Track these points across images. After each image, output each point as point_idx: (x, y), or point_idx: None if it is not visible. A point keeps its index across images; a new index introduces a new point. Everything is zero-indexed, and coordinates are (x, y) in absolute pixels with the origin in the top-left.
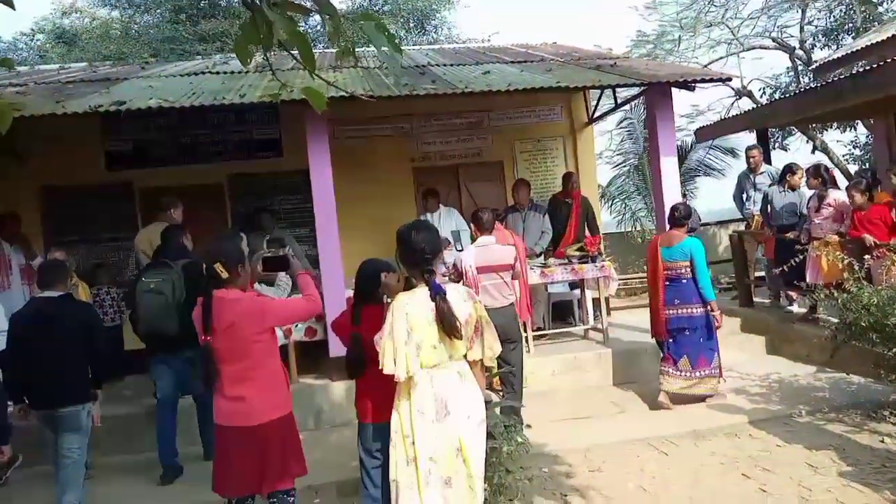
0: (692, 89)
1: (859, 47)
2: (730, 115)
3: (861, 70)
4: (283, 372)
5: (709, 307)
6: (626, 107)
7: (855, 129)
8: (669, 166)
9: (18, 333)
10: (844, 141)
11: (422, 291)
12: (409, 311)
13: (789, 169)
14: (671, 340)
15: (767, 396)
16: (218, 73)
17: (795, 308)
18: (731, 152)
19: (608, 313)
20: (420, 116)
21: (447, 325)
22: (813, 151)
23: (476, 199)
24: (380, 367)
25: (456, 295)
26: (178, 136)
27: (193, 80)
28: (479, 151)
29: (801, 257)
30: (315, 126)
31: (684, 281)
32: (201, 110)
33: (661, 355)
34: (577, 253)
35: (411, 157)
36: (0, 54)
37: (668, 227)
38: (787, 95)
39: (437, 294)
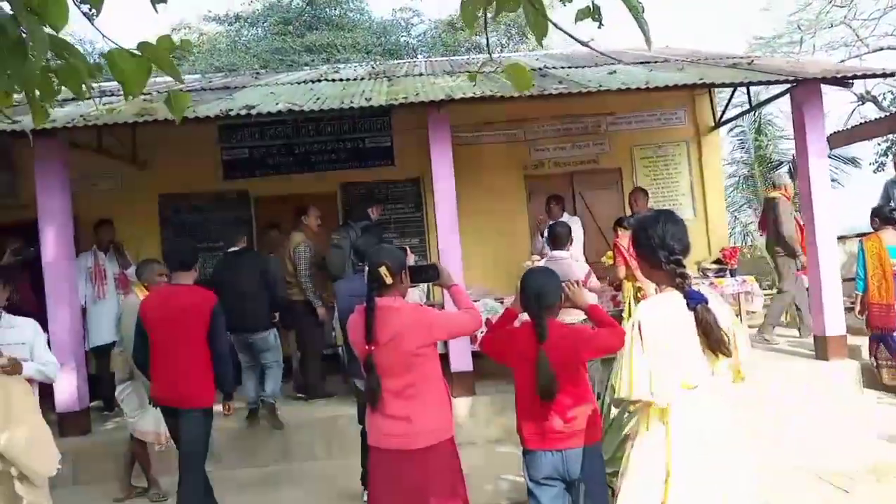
0: (849, 86)
1: None
2: (849, 121)
3: None
4: (447, 390)
5: None
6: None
7: None
8: (820, 169)
9: None
10: None
11: (671, 298)
12: (665, 319)
13: None
14: (890, 332)
15: None
16: (334, 80)
17: None
18: (853, 162)
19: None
20: (533, 122)
21: (713, 339)
22: None
23: (591, 208)
24: (622, 394)
25: (715, 301)
26: (292, 145)
27: (313, 87)
28: (595, 158)
29: None
30: (438, 129)
31: None
32: (316, 119)
33: (879, 348)
34: (714, 266)
35: (524, 164)
36: None
37: (878, 227)
38: None
39: (698, 303)
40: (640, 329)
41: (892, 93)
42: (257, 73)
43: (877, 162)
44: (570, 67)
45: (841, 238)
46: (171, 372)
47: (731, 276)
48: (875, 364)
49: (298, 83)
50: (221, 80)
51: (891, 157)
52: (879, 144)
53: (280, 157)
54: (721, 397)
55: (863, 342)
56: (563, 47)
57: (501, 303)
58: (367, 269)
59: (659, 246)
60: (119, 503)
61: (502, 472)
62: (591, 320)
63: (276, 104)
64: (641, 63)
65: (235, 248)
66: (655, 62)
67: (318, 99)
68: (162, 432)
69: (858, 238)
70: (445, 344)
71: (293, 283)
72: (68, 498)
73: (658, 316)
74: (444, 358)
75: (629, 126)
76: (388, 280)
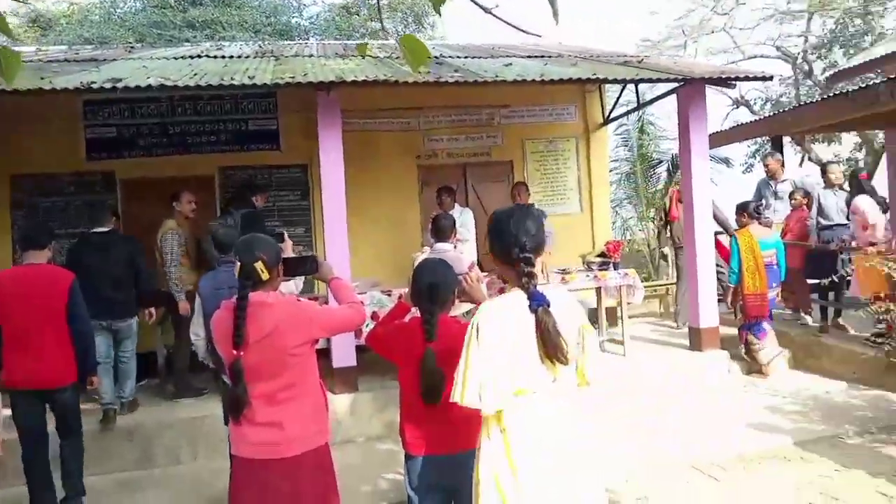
0: (732, 86)
1: (877, 56)
2: (724, 124)
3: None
4: (323, 392)
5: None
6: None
7: (840, 143)
8: (701, 167)
9: None
10: (828, 154)
11: (517, 298)
12: (500, 322)
13: (825, 167)
14: (764, 319)
15: (806, 415)
16: (215, 57)
17: (810, 321)
18: (726, 161)
19: (618, 324)
20: (428, 111)
21: (550, 345)
22: (801, 164)
23: (483, 199)
24: (454, 399)
25: (562, 303)
26: (167, 125)
27: (192, 62)
28: (488, 150)
29: (850, 269)
30: (327, 113)
31: (774, 267)
32: (194, 98)
33: (753, 333)
34: (598, 259)
35: (416, 153)
36: None
37: (744, 220)
38: (794, 106)
39: (539, 305)
40: (477, 330)
41: (762, 98)
42: (132, 46)
43: (746, 163)
44: (466, 57)
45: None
46: (36, 353)
47: (615, 269)
48: (745, 351)
49: (176, 58)
50: (89, 53)
51: (758, 159)
52: (749, 147)
53: (152, 138)
54: (564, 404)
55: (730, 331)
56: (459, 38)
57: (389, 295)
58: (237, 262)
59: (512, 242)
60: None
61: (382, 472)
62: None
63: (148, 78)
64: (536, 57)
65: (103, 230)
66: (550, 57)
67: (195, 75)
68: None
69: (730, 234)
70: (328, 339)
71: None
72: None
73: (498, 317)
74: (326, 353)
75: (522, 120)
76: (265, 276)
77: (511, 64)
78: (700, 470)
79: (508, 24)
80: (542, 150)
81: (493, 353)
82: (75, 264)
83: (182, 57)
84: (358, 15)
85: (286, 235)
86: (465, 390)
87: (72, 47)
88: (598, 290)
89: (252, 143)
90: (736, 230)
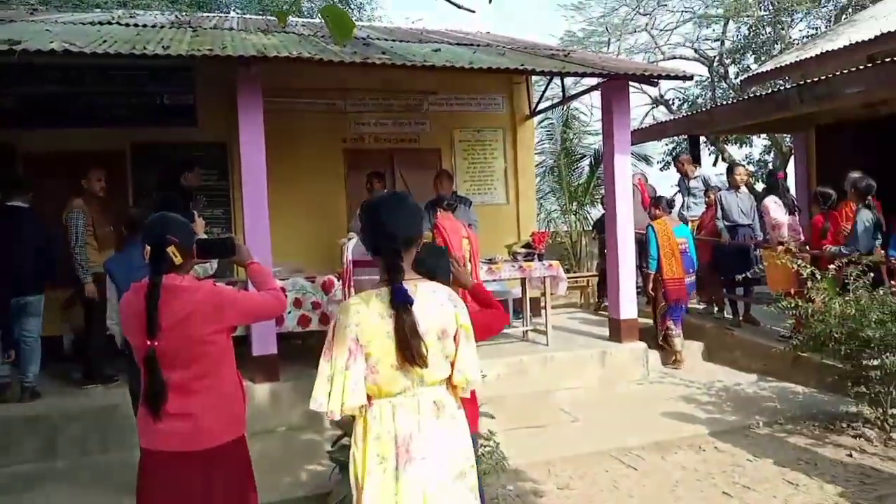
0: (655, 84)
1: (786, 63)
2: (643, 122)
3: (808, 81)
4: (239, 382)
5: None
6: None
7: (750, 146)
8: (623, 164)
9: None
10: (740, 156)
11: (384, 292)
12: (362, 319)
13: (730, 168)
14: (683, 304)
15: (719, 406)
16: (127, 25)
17: (724, 314)
18: (645, 159)
19: (541, 314)
20: (355, 93)
21: (404, 346)
22: (714, 164)
23: (411, 186)
24: (311, 406)
25: (429, 299)
26: (73, 95)
27: (101, 28)
28: (416, 137)
29: (763, 265)
30: (248, 91)
31: (688, 254)
32: (103, 67)
33: (673, 319)
34: (523, 250)
35: (343, 136)
36: None
37: (658, 212)
38: (711, 106)
39: (400, 303)
40: (334, 327)
41: (680, 99)
42: (34, 8)
43: (664, 161)
44: (394, 41)
45: None
46: None
47: (539, 259)
48: (662, 337)
49: (83, 24)
50: None
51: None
52: (667, 145)
53: (58, 108)
54: (432, 406)
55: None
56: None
57: (313, 282)
58: (145, 244)
59: (381, 233)
60: None
61: (303, 462)
62: (474, 300)
63: (51, 43)
64: (465, 45)
65: (9, 204)
66: (479, 45)
67: (104, 42)
68: None
69: (647, 224)
70: (247, 326)
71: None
72: None
73: (358, 314)
74: (244, 340)
75: (450, 108)
76: (178, 260)
77: (440, 50)
78: (619, 459)
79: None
80: (470, 139)
81: (344, 356)
82: None
83: (91, 23)
84: None
85: (196, 215)
86: (314, 394)
87: None
88: (523, 280)
89: (167, 118)
90: (651, 221)
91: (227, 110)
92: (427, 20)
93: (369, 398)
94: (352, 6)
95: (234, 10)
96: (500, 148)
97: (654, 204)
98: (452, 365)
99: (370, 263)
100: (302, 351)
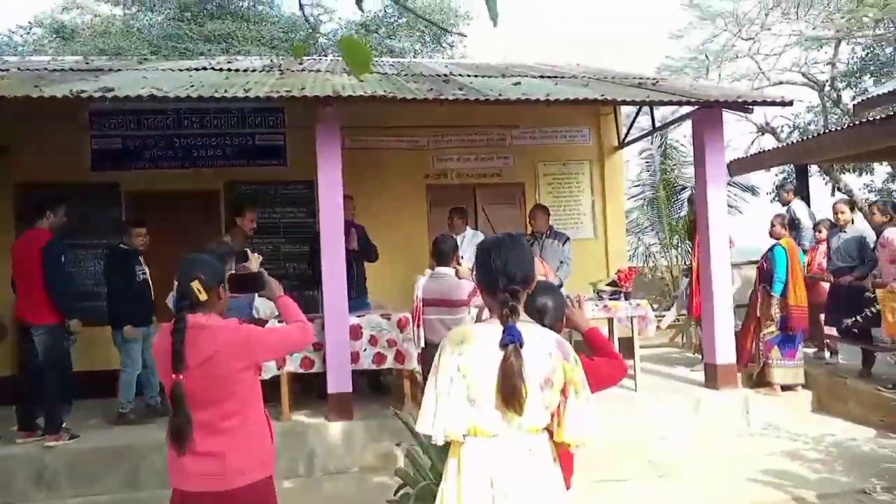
0: (750, 111)
1: None
2: (749, 151)
3: None
4: (266, 420)
5: None
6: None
7: (871, 173)
8: (717, 197)
9: None
10: (858, 185)
11: (493, 328)
12: (465, 350)
13: (834, 206)
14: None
15: (829, 464)
16: (220, 69)
17: (828, 357)
18: (752, 190)
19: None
20: (437, 129)
21: (507, 387)
22: (833, 193)
23: (493, 222)
24: (416, 426)
25: (537, 345)
26: (172, 137)
27: (193, 74)
28: (499, 171)
29: (874, 308)
30: (327, 129)
31: None
32: (201, 111)
33: (784, 350)
34: (609, 288)
35: (425, 172)
36: None
37: (782, 231)
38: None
39: (510, 343)
40: (439, 355)
41: (789, 125)
42: (144, 58)
43: (774, 191)
44: (475, 76)
45: (735, 265)
46: None
47: (626, 298)
48: (761, 365)
49: (180, 70)
50: (99, 63)
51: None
52: (777, 175)
53: (157, 150)
54: (526, 452)
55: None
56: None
57: (388, 319)
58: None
59: (499, 271)
60: None
61: None
62: (589, 346)
63: (141, 89)
64: (548, 77)
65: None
66: (562, 77)
67: (191, 86)
68: None
69: (770, 248)
70: (324, 362)
71: None
72: None
73: (462, 345)
74: (321, 377)
75: (534, 141)
76: (202, 296)
77: (519, 83)
78: None
79: (428, 21)
80: (556, 172)
81: (446, 381)
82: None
83: (186, 69)
84: (377, 32)
85: (250, 252)
86: (421, 416)
87: (86, 57)
88: (610, 320)
89: (259, 157)
90: (776, 240)
91: (314, 149)
92: (520, 57)
93: (465, 435)
94: (444, 45)
95: (330, 53)
96: (587, 181)
97: (779, 223)
98: (552, 416)
99: (440, 302)
100: (378, 390)
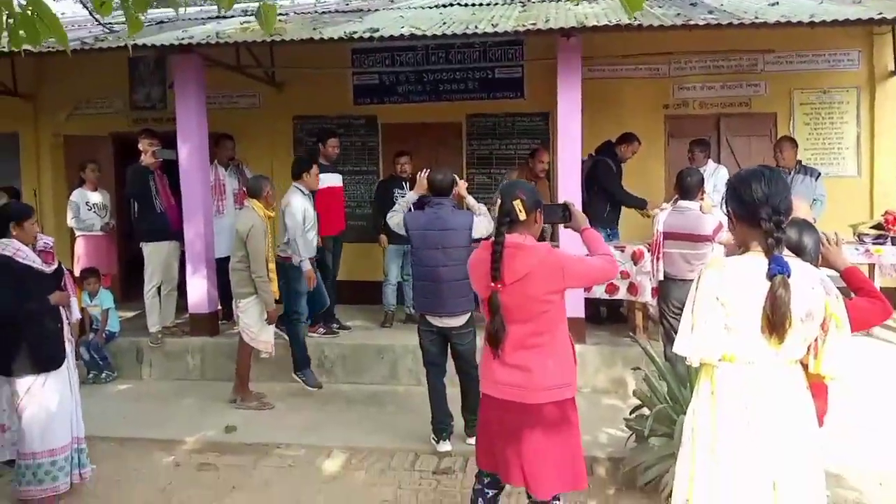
0: None
1: None
2: None
3: None
4: (571, 344)
5: None
6: None
7: None
8: None
9: None
10: None
11: (755, 260)
12: (726, 279)
13: None
14: None
15: None
16: (466, 4)
17: None
18: None
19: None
20: (679, 56)
21: (775, 317)
22: None
23: (738, 155)
24: (674, 347)
25: (800, 278)
26: (422, 72)
27: (443, 11)
28: (748, 100)
29: None
30: (567, 61)
31: None
32: (446, 46)
33: None
34: (873, 231)
35: (664, 102)
36: None
37: None
38: None
39: (778, 273)
40: (698, 281)
41: None
42: None
43: None
44: None
45: None
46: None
47: (893, 244)
48: None
49: (430, 7)
50: (357, 3)
51: None
52: None
53: (409, 85)
54: (787, 384)
55: None
56: None
57: (623, 252)
58: (498, 202)
59: (762, 202)
60: (232, 404)
61: (603, 425)
62: (847, 285)
63: (401, 28)
64: None
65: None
66: None
67: (444, 24)
68: (272, 343)
69: None
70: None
71: None
72: (195, 389)
73: (723, 274)
74: None
75: (790, 66)
76: (522, 216)
77: (777, 2)
78: None
79: None
80: (814, 101)
81: (711, 307)
82: None
83: (434, 6)
84: None
85: (457, 178)
86: (677, 339)
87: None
88: (872, 266)
89: (497, 90)
90: None
91: (551, 81)
92: None
93: (720, 360)
94: None
95: None
96: (853, 111)
97: None
98: (809, 349)
99: (682, 236)
100: (607, 318)
